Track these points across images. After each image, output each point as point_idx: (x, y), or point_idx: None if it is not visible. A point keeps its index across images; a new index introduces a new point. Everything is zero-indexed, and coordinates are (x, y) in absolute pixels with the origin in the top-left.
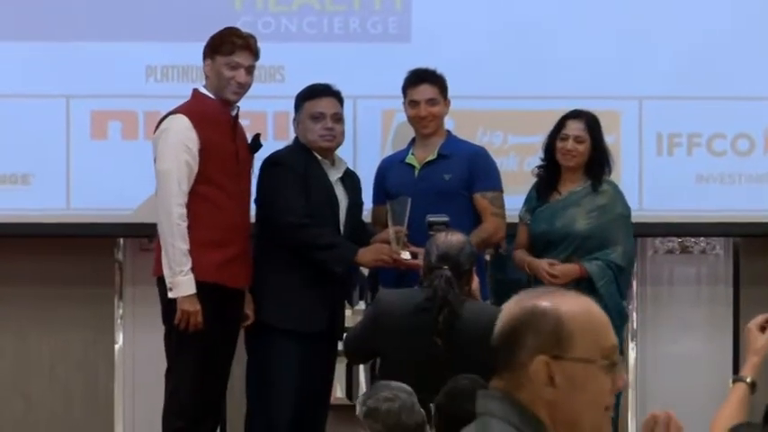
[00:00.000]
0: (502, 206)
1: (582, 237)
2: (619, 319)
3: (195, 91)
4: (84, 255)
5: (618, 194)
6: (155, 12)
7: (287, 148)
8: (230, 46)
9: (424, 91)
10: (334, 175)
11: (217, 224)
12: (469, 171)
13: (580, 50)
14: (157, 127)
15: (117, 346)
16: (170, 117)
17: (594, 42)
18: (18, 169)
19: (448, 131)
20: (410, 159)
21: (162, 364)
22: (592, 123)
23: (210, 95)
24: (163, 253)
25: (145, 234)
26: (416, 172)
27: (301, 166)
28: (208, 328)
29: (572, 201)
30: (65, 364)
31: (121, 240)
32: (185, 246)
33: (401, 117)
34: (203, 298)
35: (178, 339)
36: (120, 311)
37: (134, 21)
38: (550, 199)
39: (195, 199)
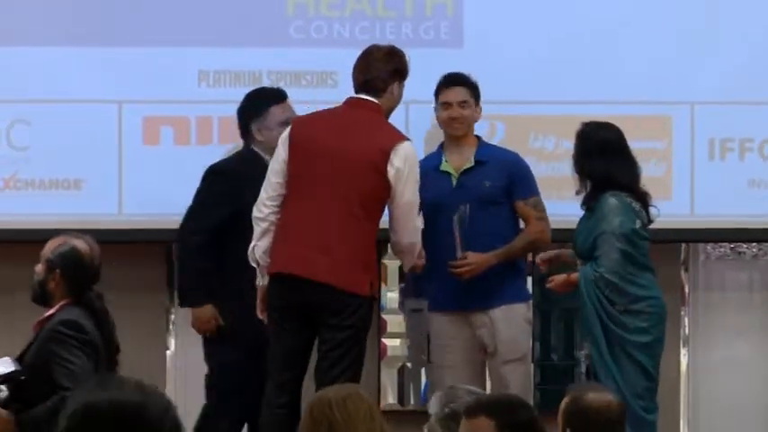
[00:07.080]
0: (544, 210)
1: (579, 254)
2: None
3: (384, 110)
4: (135, 261)
5: (604, 212)
6: (207, 17)
7: (238, 157)
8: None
9: (457, 93)
10: None
11: None
12: (509, 179)
13: (632, 55)
14: (386, 149)
15: (168, 353)
16: (407, 144)
17: (646, 47)
18: (70, 174)
19: (478, 137)
20: (445, 167)
21: None
22: (576, 136)
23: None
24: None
25: None
26: (454, 180)
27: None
28: None
29: (582, 217)
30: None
31: (174, 246)
32: None
33: None
34: None
35: None
36: (173, 318)
37: (186, 26)
38: None
39: None
